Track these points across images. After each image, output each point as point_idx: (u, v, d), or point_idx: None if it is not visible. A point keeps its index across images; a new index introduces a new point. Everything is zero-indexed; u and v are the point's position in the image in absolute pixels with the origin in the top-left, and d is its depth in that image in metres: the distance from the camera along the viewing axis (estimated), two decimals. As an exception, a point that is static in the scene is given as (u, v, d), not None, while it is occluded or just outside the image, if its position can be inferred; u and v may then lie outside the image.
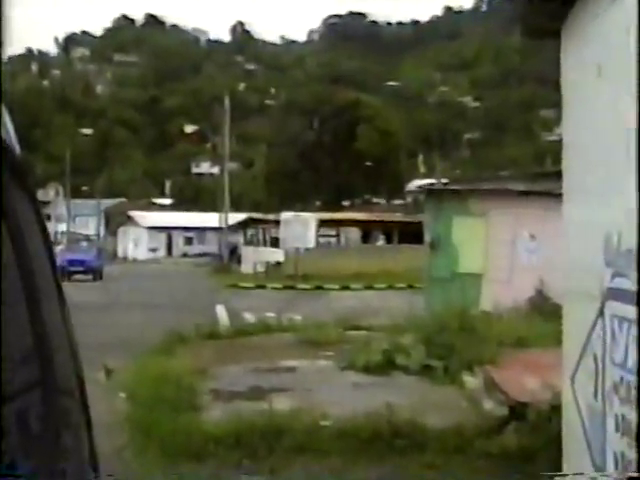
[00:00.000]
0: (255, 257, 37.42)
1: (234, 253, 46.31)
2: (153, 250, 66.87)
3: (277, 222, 34.58)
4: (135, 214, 69.72)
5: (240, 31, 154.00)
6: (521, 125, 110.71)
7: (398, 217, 43.08)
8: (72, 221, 72.64)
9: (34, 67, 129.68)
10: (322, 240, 45.46)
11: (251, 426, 6.67)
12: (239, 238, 50.18)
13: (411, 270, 28.26)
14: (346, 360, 9.87)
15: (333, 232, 48.94)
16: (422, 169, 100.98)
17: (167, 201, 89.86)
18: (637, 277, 2.96)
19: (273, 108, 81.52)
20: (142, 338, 12.28)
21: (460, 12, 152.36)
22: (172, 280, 34.36)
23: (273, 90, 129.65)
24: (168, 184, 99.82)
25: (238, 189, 73.55)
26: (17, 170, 1.05)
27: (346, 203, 76.25)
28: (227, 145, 45.04)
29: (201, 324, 12.86)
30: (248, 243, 45.42)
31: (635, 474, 2.81)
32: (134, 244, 68.65)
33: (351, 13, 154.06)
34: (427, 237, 15.54)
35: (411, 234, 33.88)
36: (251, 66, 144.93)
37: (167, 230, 67.71)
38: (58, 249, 37.67)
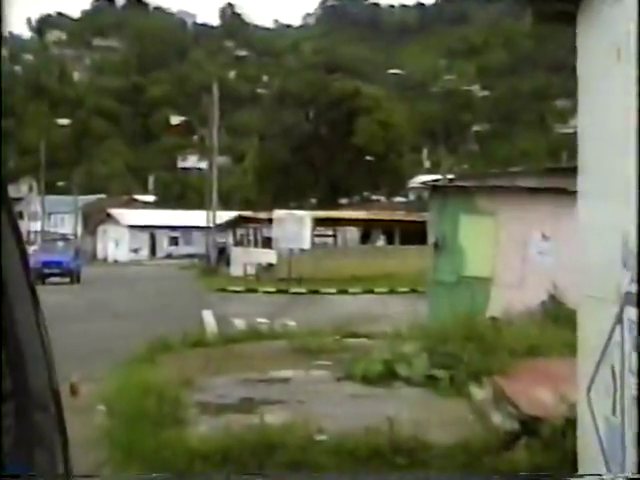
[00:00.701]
0: (245, 259, 37.41)
1: (223, 254, 46.25)
2: (135, 251, 66.83)
3: (269, 221, 34.56)
4: (116, 212, 69.67)
5: (230, 14, 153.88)
6: (533, 116, 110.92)
7: (400, 216, 43.10)
8: (47, 219, 72.62)
9: (5, 51, 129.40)
10: (318, 240, 45.42)
11: (241, 441, 6.66)
12: (228, 238, 50.13)
13: (414, 273, 28.26)
14: (343, 370, 9.87)
15: (330, 232, 48.92)
16: (426, 164, 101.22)
17: (150, 198, 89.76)
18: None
19: (265, 98, 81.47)
20: (123, 346, 12.27)
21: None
22: (156, 283, 34.32)
23: (265, 78, 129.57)
24: (152, 179, 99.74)
25: (227, 185, 73.58)
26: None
27: (344, 201, 76.27)
28: (216, 138, 45.02)
29: (187, 331, 12.86)
30: (238, 243, 45.39)
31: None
32: (114, 244, 68.61)
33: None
34: (431, 237, 15.54)
35: (414, 234, 33.90)
36: (242, 52, 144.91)
37: (150, 229, 67.69)
38: (32, 250, 37.59)
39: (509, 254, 14.32)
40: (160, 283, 34.68)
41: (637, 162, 2.91)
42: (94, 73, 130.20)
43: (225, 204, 60.31)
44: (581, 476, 3.70)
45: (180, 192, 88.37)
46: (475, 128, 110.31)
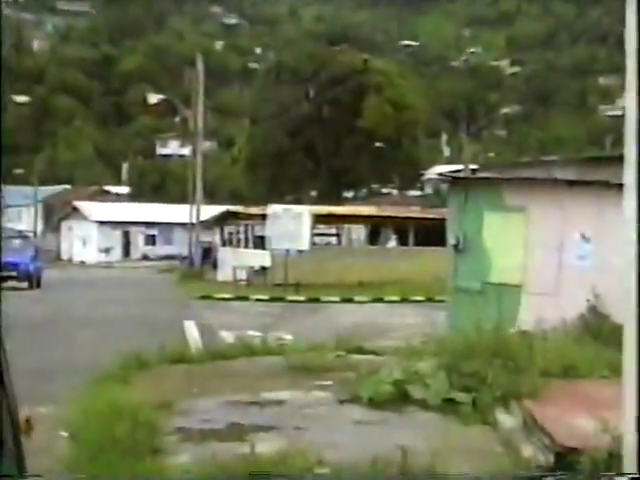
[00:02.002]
0: (235, 261, 37.43)
1: (208, 256, 46.19)
2: (105, 251, 66.89)
3: (263, 217, 34.56)
4: (83, 205, 69.74)
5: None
6: (572, 96, 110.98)
7: (414, 212, 43.12)
8: (2, 213, 72.60)
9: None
10: (319, 240, 45.38)
11: (228, 474, 6.66)
12: (215, 237, 50.09)
13: (430, 279, 28.23)
14: (348, 391, 9.87)
15: (333, 230, 48.89)
16: (445, 152, 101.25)
17: (124, 189, 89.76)
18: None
19: (258, 73, 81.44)
20: (90, 362, 12.27)
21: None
22: (129, 289, 34.33)
23: (259, 50, 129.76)
24: (125, 167, 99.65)
25: (214, 175, 73.63)
26: None
27: (349, 194, 76.37)
28: (200, 119, 45.03)
29: (166, 345, 12.86)
30: (226, 243, 45.36)
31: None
32: (81, 243, 68.68)
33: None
34: (451, 238, 15.55)
35: (431, 234, 33.87)
36: (231, 20, 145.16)
37: (123, 226, 67.74)
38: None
39: (542, 258, 14.32)
40: (135, 289, 34.66)
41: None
42: (57, 41, 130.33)
43: (211, 197, 60.35)
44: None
45: (159, 183, 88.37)
46: (503, 110, 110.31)
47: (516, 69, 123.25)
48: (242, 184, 73.64)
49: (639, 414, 2.76)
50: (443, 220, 17.31)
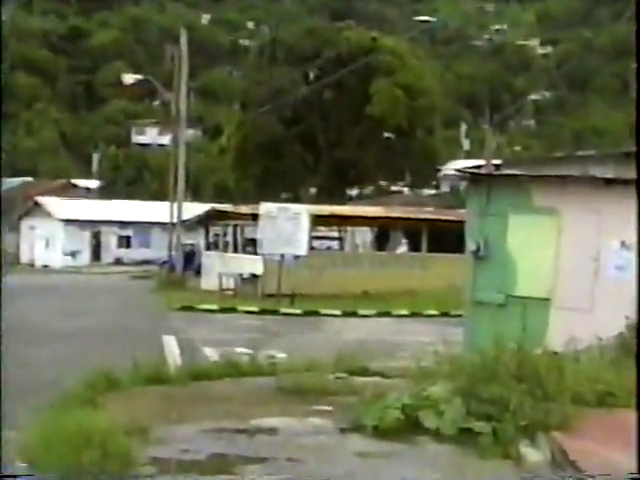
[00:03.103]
0: (221, 267, 37.46)
1: (191, 261, 46.18)
2: (72, 254, 66.90)
3: (254, 217, 34.59)
4: (46, 201, 69.72)
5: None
6: (612, 81, 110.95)
7: (428, 213, 43.16)
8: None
9: None
10: (318, 245, 45.39)
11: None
12: (199, 239, 50.13)
13: (446, 290, 28.24)
14: (349, 418, 9.89)
15: (334, 233, 48.94)
16: (465, 144, 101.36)
17: (94, 183, 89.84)
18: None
19: (250, 51, 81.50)
20: (53, 382, 12.28)
21: None
22: (99, 298, 34.36)
23: (251, 25, 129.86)
24: (96, 158, 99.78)
25: (198, 168, 73.63)
26: None
27: (354, 192, 76.42)
28: (183, 103, 45.05)
29: (140, 362, 12.87)
30: (211, 246, 45.37)
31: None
32: (44, 245, 68.67)
33: None
34: (470, 243, 15.56)
35: (447, 238, 33.92)
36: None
37: (93, 225, 67.78)
38: None
39: (576, 267, 14.34)
40: (106, 297, 34.69)
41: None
42: (18, 12, 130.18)
43: (195, 193, 60.49)
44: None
45: (135, 176, 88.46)
46: (532, 96, 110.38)
47: (547, 49, 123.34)
48: (231, 179, 73.67)
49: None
50: (461, 223, 17.32)
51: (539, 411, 9.11)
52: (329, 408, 10.67)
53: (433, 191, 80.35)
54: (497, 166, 18.55)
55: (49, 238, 68.28)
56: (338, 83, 62.51)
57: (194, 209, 45.77)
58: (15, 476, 7.15)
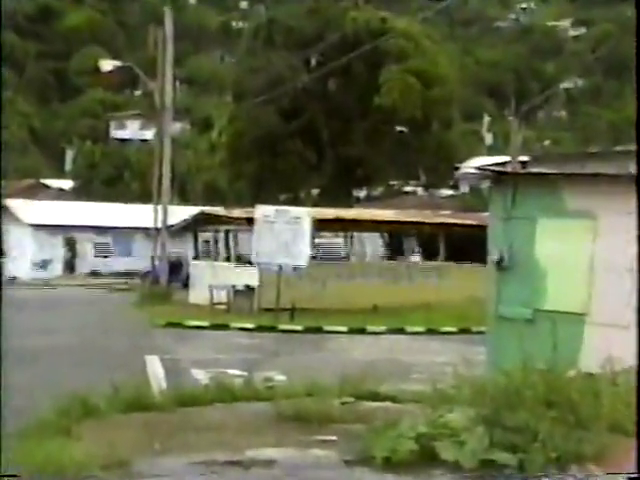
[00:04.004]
0: (212, 278, 37.45)
1: (177, 271, 46.17)
2: (42, 265, 66.87)
3: (249, 222, 34.60)
4: (13, 204, 69.66)
5: None
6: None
7: (446, 217, 43.15)
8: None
9: None
10: (322, 252, 45.34)
11: None
12: (186, 247, 50.10)
13: (466, 304, 28.17)
14: (357, 449, 9.88)
15: (340, 240, 48.90)
16: (487, 139, 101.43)
17: (68, 183, 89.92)
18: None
19: (244, 34, 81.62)
20: (22, 407, 12.26)
21: None
22: (73, 313, 34.33)
23: (244, 4, 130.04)
24: (70, 155, 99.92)
25: (186, 166, 73.71)
26: None
27: (361, 193, 76.41)
28: (169, 93, 45.10)
29: (121, 386, 12.87)
30: (201, 255, 45.36)
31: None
32: (11, 254, 68.55)
33: None
34: (493, 251, 15.55)
35: (467, 245, 33.87)
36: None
37: (67, 231, 67.74)
38: None
39: (613, 279, 14.32)
40: (81, 313, 34.66)
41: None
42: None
43: (182, 195, 60.51)
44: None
45: (113, 175, 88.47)
46: (563, 84, 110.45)
47: (581, 31, 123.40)
48: (222, 178, 73.69)
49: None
50: (483, 228, 17.30)
51: (572, 441, 9.09)
52: (333, 437, 10.66)
53: (451, 192, 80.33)
54: (524, 163, 18.59)
55: (16, 246, 68.16)
56: (343, 70, 62.59)
57: (181, 213, 45.71)
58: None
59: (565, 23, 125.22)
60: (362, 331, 28.31)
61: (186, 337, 26.55)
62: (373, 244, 50.01)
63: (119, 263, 66.32)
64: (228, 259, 41.13)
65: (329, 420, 11.48)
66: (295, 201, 59.72)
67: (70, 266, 68.12)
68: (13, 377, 17.40)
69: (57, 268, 67.32)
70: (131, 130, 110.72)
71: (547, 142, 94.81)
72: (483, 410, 10.04)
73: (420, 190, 77.31)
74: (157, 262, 45.00)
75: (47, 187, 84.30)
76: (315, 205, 49.53)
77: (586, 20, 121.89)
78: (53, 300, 43.61)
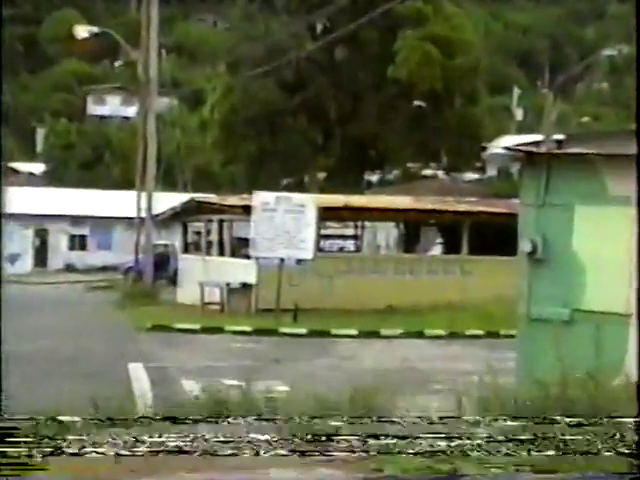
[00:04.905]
0: (203, 274, 37.47)
1: (164, 266, 46.22)
2: (10, 259, 66.91)
3: (245, 210, 34.59)
4: (-22, 190, 69.78)
5: None
6: None
7: (470, 204, 43.08)
8: None
9: None
10: (328, 245, 45.32)
11: None
12: (174, 239, 50.10)
13: (494, 303, 28.10)
14: (368, 469, 9.89)
15: (350, 230, 48.90)
16: (518, 115, 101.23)
17: (39, 167, 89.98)
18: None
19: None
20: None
21: None
22: (45, 316, 34.30)
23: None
24: (41, 135, 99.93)
25: (174, 147, 73.47)
26: None
27: (374, 177, 76.34)
28: (154, 64, 45.06)
29: (99, 398, 12.86)
30: (191, 248, 45.35)
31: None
32: (-26, 247, 68.69)
33: None
34: (525, 242, 15.51)
35: (494, 236, 33.82)
36: None
37: (38, 221, 67.85)
38: None
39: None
40: (53, 315, 34.66)
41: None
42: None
43: (169, 180, 60.33)
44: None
45: (91, 158, 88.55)
46: (605, 52, 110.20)
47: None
48: (215, 161, 73.72)
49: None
50: (513, 216, 17.27)
51: (619, 462, 9.07)
52: (343, 454, 10.67)
53: (476, 175, 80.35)
54: (559, 142, 18.52)
55: (-19, 238, 68.33)
56: (353, 37, 62.50)
57: (168, 200, 45.66)
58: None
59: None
60: (375, 335, 28.27)
61: (174, 342, 26.52)
62: (387, 235, 49.98)
63: (97, 257, 66.43)
64: (222, 253, 41.08)
65: (338, 437, 11.48)
66: (298, 187, 59.72)
67: (41, 260, 68.24)
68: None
69: (27, 263, 67.42)
70: (111, 106, 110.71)
71: (586, 118, 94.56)
72: (512, 424, 10.02)
73: (441, 174, 77.20)
74: (141, 256, 45.04)
75: (15, 171, 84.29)
76: (321, 191, 49.52)
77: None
78: (21, 301, 43.45)
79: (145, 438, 10.80)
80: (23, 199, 68.28)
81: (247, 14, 70.86)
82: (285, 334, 28.34)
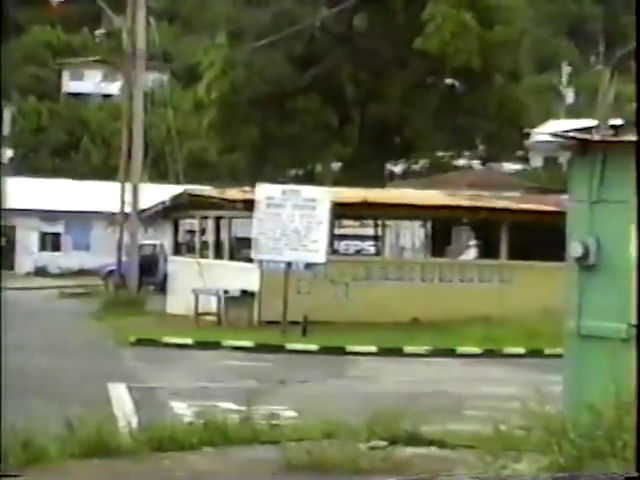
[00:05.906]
0: (197, 280, 37.50)
1: (152, 270, 46.27)
2: (-28, 261, 67.04)
3: (247, 205, 34.65)
4: None
5: None
6: None
7: (511, 200, 43.09)
8: None
9: None
10: (344, 247, 45.31)
11: None
12: (163, 238, 50.10)
13: (538, 316, 28.11)
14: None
15: (369, 230, 48.90)
16: (569, 97, 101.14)
17: (6, 153, 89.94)
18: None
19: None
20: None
21: None
22: (12, 328, 34.34)
23: None
24: (9, 115, 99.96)
25: (164, 131, 73.48)
26: None
27: (398, 167, 76.30)
28: (141, 33, 45.13)
29: (77, 422, 12.89)
30: (182, 249, 45.41)
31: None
32: None
33: None
34: (574, 245, 15.51)
35: (539, 238, 33.81)
36: None
37: (4, 217, 67.80)
38: None
39: None
40: (22, 326, 34.72)
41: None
42: None
43: (158, 170, 60.38)
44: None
45: (66, 142, 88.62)
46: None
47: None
48: (212, 147, 73.75)
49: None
50: (561, 215, 17.27)
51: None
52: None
53: (519, 166, 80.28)
54: (617, 128, 18.50)
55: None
56: (375, 3, 62.50)
57: (157, 193, 45.71)
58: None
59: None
60: (397, 352, 28.36)
61: (163, 359, 26.60)
62: (413, 236, 49.99)
63: (73, 259, 66.47)
64: (219, 255, 41.13)
65: (354, 470, 11.49)
66: (309, 178, 59.74)
67: (8, 262, 68.27)
68: None
69: (-8, 265, 67.49)
70: (90, 82, 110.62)
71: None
72: (560, 459, 10.02)
73: (477, 164, 77.14)
74: (124, 258, 45.09)
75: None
76: (336, 184, 49.53)
77: None
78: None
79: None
80: (-12, 191, 68.58)
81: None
82: (292, 351, 28.42)
